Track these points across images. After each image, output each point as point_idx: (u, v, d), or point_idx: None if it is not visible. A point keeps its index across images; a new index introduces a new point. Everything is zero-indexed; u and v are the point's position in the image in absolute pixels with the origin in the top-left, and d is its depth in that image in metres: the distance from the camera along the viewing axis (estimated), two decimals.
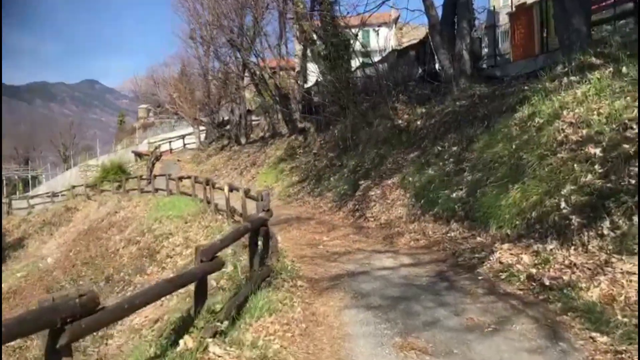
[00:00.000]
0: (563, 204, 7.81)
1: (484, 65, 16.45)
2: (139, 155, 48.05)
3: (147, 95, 62.51)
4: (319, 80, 23.13)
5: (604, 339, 4.96)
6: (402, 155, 15.07)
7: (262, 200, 8.76)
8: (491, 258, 8.31)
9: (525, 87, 12.10)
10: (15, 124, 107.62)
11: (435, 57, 16.68)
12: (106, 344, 8.97)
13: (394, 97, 17.41)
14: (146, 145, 52.66)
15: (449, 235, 10.53)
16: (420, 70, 18.26)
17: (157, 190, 24.35)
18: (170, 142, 47.69)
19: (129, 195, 26.86)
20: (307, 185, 19.26)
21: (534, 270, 7.14)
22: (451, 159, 12.50)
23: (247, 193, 12.63)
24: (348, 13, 18.16)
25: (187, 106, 42.92)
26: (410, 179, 13.39)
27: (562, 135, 9.15)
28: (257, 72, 27.80)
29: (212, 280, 8.01)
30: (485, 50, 16.68)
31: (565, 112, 9.54)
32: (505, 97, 12.79)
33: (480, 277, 7.69)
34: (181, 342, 4.74)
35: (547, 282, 6.67)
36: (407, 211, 12.61)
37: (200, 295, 5.01)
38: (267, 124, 32.23)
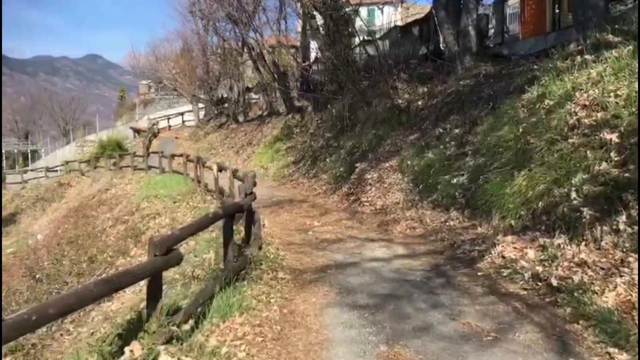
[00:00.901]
0: (574, 195, 7.06)
1: (491, 44, 15.54)
2: (137, 131, 47.25)
3: (148, 71, 61.37)
4: (318, 57, 22.22)
5: (624, 356, 4.24)
6: (401, 137, 14.29)
7: (245, 182, 8.03)
8: (493, 252, 7.62)
9: (535, 67, 11.29)
10: (17, 97, 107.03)
11: (440, 33, 15.76)
12: (54, 338, 8.27)
13: (395, 76, 16.54)
14: (146, 121, 51.83)
15: (447, 224, 9.83)
16: (423, 48, 17.36)
17: (150, 167, 23.66)
18: (168, 118, 46.83)
19: (122, 172, 26.16)
20: (303, 166, 18.54)
21: (540, 268, 6.43)
22: (453, 142, 11.73)
23: (234, 174, 11.90)
24: None
25: (186, 83, 41.97)
26: (409, 162, 12.63)
27: (574, 118, 8.33)
28: (256, 48, 26.86)
29: (187, 267, 7.34)
30: (493, 27, 15.74)
31: (578, 94, 8.71)
32: (513, 76, 11.96)
33: (480, 273, 7.00)
34: (127, 350, 4.04)
35: (554, 283, 5.96)
36: (405, 197, 11.88)
37: (153, 294, 4.30)
38: (265, 102, 31.37)
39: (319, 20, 19.06)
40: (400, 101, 15.20)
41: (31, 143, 75.09)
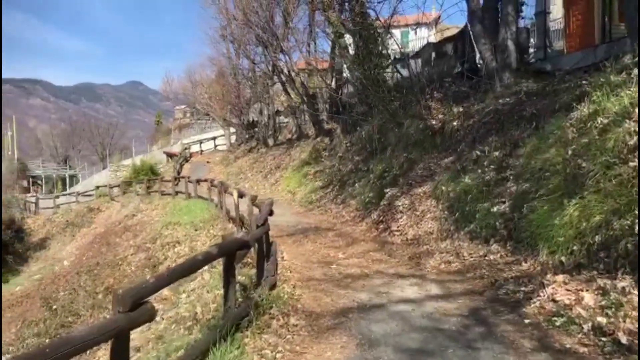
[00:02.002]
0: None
1: (532, 59, 14.43)
2: (170, 155, 47.43)
3: (183, 97, 61.98)
4: (346, 76, 21.41)
5: None
6: (435, 161, 13.26)
7: (260, 211, 7.17)
8: (542, 294, 6.52)
9: (584, 82, 10.16)
10: (59, 123, 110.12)
11: (475, 49, 14.76)
12: None
13: (428, 95, 15.58)
14: (179, 146, 52.09)
15: (487, 258, 8.74)
16: (458, 66, 16.37)
17: (177, 193, 23.19)
18: (201, 143, 46.84)
19: (150, 197, 25.80)
20: (331, 192, 17.63)
21: (602, 319, 5.31)
22: (492, 166, 10.64)
23: (253, 201, 11.09)
24: (379, 2, 16.52)
25: (218, 107, 41.87)
26: (444, 188, 11.58)
27: (634, 139, 7.22)
28: (285, 70, 26.34)
29: (183, 311, 6.48)
30: (533, 41, 14.63)
31: (637, 111, 7.61)
32: (559, 93, 10.86)
33: (527, 321, 5.90)
34: None
35: (623, 340, 4.84)
36: (439, 226, 10.82)
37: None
38: (294, 126, 30.76)
39: (348, 39, 18.33)
40: (433, 122, 14.21)
41: (70, 168, 76.49)
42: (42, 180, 69.43)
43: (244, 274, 8.03)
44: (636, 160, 6.93)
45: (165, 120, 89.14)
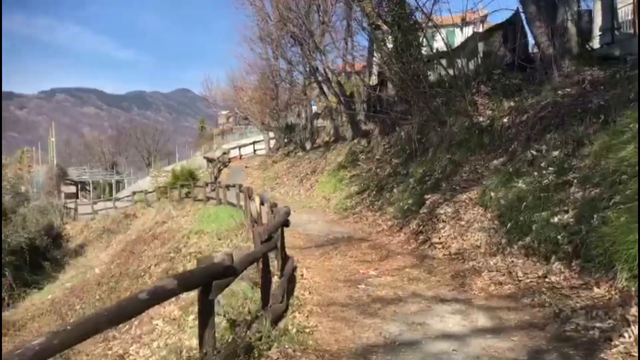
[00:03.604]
0: None
1: (596, 44, 12.60)
2: (210, 160, 47.00)
3: (226, 102, 61.70)
4: (382, 72, 19.86)
5: None
6: (483, 162, 11.65)
7: (268, 222, 5.90)
8: (625, 334, 4.99)
9: None
10: (107, 131, 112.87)
11: (529, 34, 13.03)
12: None
13: (474, 89, 13.94)
14: (220, 151, 51.74)
15: (548, 280, 7.16)
16: (508, 55, 14.66)
17: (208, 199, 22.27)
18: (239, 148, 46.21)
19: (183, 203, 25.03)
20: (367, 197, 16.18)
21: None
22: (551, 168, 8.99)
23: (272, 208, 9.85)
24: None
25: (257, 111, 41.06)
26: (493, 194, 9.99)
27: None
28: (321, 69, 25.08)
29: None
30: (599, 23, 12.77)
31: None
32: (632, 81, 9.11)
33: None
34: None
35: None
36: (487, 238, 9.25)
37: None
38: (331, 128, 29.43)
39: (387, 33, 16.83)
40: (481, 119, 12.58)
41: (117, 174, 77.75)
42: (89, 186, 70.76)
43: (252, 298, 6.75)
44: None
45: (210, 126, 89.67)
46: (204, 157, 49.55)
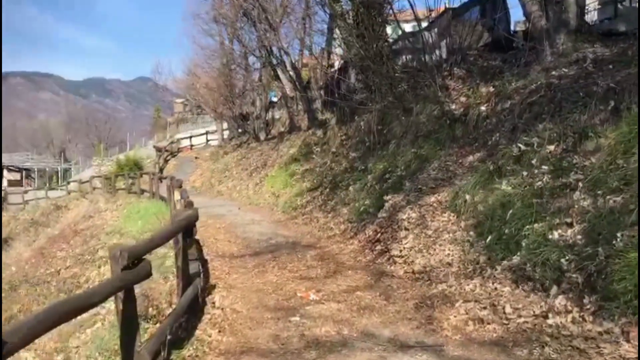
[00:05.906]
0: None
1: (596, 19, 10.81)
2: (159, 150, 44.09)
3: (180, 89, 58.52)
4: (343, 56, 17.72)
5: None
6: (455, 158, 9.64)
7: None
8: None
9: None
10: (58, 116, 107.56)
11: (513, 9, 11.14)
12: None
13: (446, 72, 11.98)
14: (169, 140, 48.90)
15: (550, 320, 5.15)
16: (486, 34, 12.77)
17: (143, 191, 19.73)
18: (191, 138, 43.50)
19: (117, 195, 22.37)
20: (320, 196, 14.03)
21: None
22: (545, 167, 6.99)
23: (185, 206, 7.59)
24: None
25: (211, 99, 38.32)
26: (468, 197, 7.95)
27: None
28: (276, 52, 22.82)
29: None
30: None
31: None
32: None
33: None
34: None
35: None
36: (461, 254, 7.21)
37: None
38: (287, 117, 27.18)
39: (345, 5, 14.72)
40: (453, 107, 10.56)
41: (65, 161, 74.01)
42: (34, 173, 67.10)
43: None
44: None
45: (167, 115, 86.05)
46: (154, 147, 46.60)
